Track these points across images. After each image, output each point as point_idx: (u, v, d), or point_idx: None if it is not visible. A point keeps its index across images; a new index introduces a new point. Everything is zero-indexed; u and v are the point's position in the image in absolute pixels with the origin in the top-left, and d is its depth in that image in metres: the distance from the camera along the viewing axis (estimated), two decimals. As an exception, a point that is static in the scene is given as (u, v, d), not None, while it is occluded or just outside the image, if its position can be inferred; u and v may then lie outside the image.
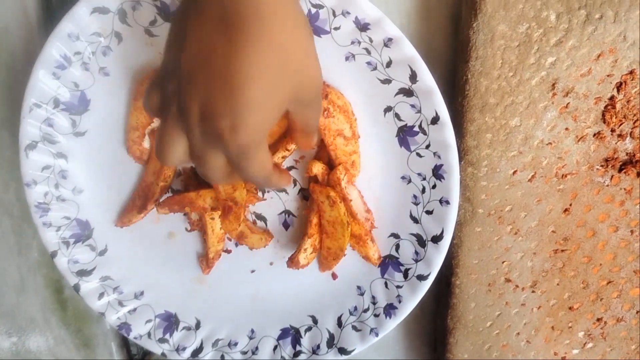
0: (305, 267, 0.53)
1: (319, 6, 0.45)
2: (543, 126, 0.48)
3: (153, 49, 0.48)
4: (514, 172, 0.50)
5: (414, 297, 0.51)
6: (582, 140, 0.49)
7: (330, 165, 0.50)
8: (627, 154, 0.50)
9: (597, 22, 0.45)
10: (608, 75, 0.47)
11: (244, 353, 0.55)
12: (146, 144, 0.52)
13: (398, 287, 0.52)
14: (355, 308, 0.54)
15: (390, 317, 0.52)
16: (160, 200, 0.53)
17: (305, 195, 0.53)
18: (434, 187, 0.49)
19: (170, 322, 0.55)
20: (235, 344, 0.55)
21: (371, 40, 0.46)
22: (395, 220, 0.52)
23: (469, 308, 0.54)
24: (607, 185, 0.51)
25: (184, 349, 0.55)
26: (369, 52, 0.46)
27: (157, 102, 0.37)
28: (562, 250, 0.53)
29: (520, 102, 0.47)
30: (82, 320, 0.61)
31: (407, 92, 0.47)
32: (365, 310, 0.53)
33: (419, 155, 0.49)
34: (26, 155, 0.50)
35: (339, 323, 0.54)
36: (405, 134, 0.49)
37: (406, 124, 0.48)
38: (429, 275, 0.50)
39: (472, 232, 0.52)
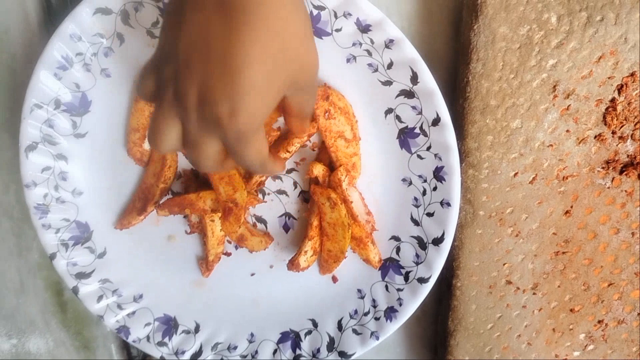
0: (305, 270, 0.53)
1: (321, 8, 0.45)
2: (544, 128, 0.48)
3: (155, 50, 0.48)
4: (515, 174, 0.50)
5: (414, 300, 0.51)
6: (583, 142, 0.49)
7: (331, 167, 0.50)
8: (628, 156, 0.50)
9: (598, 25, 0.45)
10: (609, 78, 0.47)
11: (244, 357, 0.55)
12: (147, 145, 0.52)
13: (399, 290, 0.52)
14: (356, 311, 0.53)
15: (390, 321, 0.52)
16: (160, 203, 0.52)
17: (305, 197, 0.53)
18: (434, 189, 0.49)
19: (169, 325, 0.55)
20: (235, 348, 0.55)
21: (372, 42, 0.46)
22: (395, 222, 0.51)
23: (470, 310, 0.54)
24: (608, 188, 0.51)
25: (183, 352, 0.55)
26: (370, 54, 0.46)
27: (151, 87, 0.37)
28: (563, 252, 0.52)
29: (521, 104, 0.48)
30: (82, 322, 0.61)
31: (408, 94, 0.47)
32: (366, 314, 0.53)
33: (419, 157, 0.49)
34: (26, 157, 0.50)
35: (339, 326, 0.54)
36: (406, 136, 0.49)
37: (407, 126, 0.48)
38: (429, 277, 0.50)
39: (473, 234, 0.51)
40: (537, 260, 0.53)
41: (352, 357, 0.53)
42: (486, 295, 0.54)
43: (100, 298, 0.54)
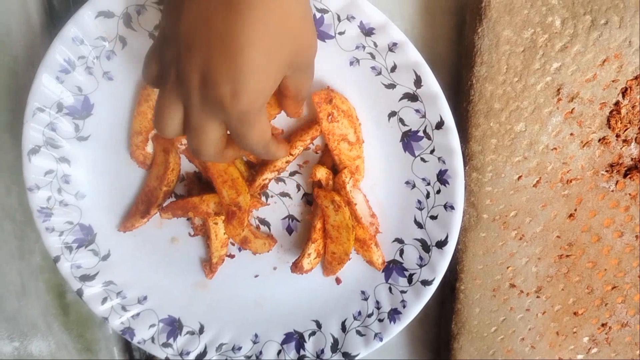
0: (309, 272, 0.53)
1: (324, 11, 0.45)
2: (548, 131, 0.48)
3: (157, 53, 0.48)
4: (519, 178, 0.50)
5: (418, 302, 0.51)
6: (587, 145, 0.49)
7: (334, 170, 0.50)
8: (632, 159, 0.50)
9: (603, 28, 0.45)
10: (613, 81, 0.47)
11: (248, 357, 0.55)
12: (149, 148, 0.52)
13: (402, 292, 0.52)
14: (360, 313, 0.54)
15: (394, 322, 0.52)
16: (164, 205, 0.52)
17: (308, 200, 0.52)
18: (438, 192, 0.49)
19: (173, 326, 0.55)
20: (239, 349, 0.55)
21: (376, 45, 0.45)
22: (399, 225, 0.51)
23: (474, 313, 0.54)
24: (612, 191, 0.50)
25: (188, 353, 0.55)
26: (373, 57, 0.46)
27: (155, 72, 0.37)
28: (567, 256, 0.52)
29: (525, 108, 0.47)
30: (84, 324, 0.61)
31: (412, 97, 0.47)
32: (370, 315, 0.53)
33: (423, 160, 0.49)
34: (29, 160, 0.50)
35: (343, 328, 0.54)
36: (409, 139, 0.49)
37: (410, 129, 0.48)
38: (433, 280, 0.50)
39: (476, 238, 0.51)
40: (541, 264, 0.53)
41: (356, 358, 0.53)
42: (490, 298, 0.54)
43: (104, 300, 0.54)
